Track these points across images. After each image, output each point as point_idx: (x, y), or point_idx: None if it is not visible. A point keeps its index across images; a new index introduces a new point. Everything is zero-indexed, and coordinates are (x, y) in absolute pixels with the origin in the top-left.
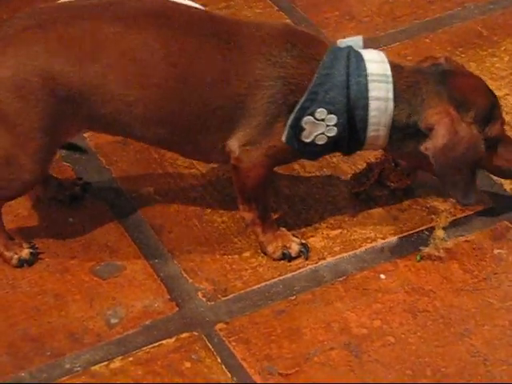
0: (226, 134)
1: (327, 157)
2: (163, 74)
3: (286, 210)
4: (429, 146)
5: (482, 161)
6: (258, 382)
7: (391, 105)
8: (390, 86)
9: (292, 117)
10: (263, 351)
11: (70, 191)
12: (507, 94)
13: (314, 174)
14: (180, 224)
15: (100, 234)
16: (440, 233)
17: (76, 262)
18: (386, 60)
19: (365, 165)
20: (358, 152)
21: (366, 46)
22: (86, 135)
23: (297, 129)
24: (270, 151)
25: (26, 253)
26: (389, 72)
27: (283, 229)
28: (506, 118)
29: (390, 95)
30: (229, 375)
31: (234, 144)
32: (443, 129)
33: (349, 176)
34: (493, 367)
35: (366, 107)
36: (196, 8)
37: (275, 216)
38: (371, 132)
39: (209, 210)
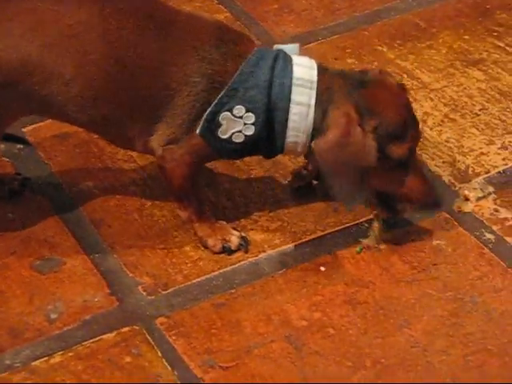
0: (151, 127)
1: None
2: (99, 53)
3: (225, 203)
4: (317, 143)
5: (371, 172)
6: (198, 375)
7: (312, 112)
8: (313, 93)
9: (208, 110)
10: (204, 344)
11: (9, 186)
12: (445, 86)
13: (253, 167)
14: (120, 218)
15: (39, 229)
16: (379, 224)
17: (15, 257)
18: (315, 67)
19: (304, 158)
20: None
21: (306, 40)
22: (24, 130)
23: (213, 124)
24: (192, 150)
25: None
26: (315, 79)
27: (222, 222)
28: (445, 109)
29: (312, 102)
30: (169, 369)
31: (156, 142)
32: (337, 128)
33: (288, 169)
34: (432, 357)
35: (286, 110)
36: None
37: (214, 210)
38: (290, 137)
39: (149, 204)
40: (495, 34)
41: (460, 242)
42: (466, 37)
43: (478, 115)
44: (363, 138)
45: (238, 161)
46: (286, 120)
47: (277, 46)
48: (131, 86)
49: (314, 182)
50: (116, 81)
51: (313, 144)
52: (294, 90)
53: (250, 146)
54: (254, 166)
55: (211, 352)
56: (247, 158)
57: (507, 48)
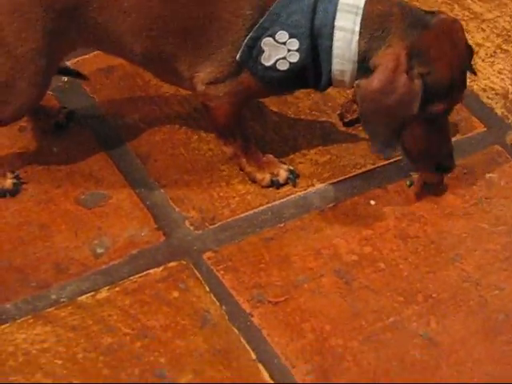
0: (201, 63)
1: None
2: None
3: (273, 136)
4: (361, 85)
5: (411, 122)
6: (247, 310)
7: (356, 38)
8: (358, 19)
9: (249, 36)
10: (252, 279)
11: (55, 119)
12: (498, 16)
13: (301, 100)
14: (166, 152)
15: (85, 163)
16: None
17: (61, 191)
18: None
19: (353, 90)
20: None
21: None
22: (69, 63)
23: (255, 50)
24: (237, 88)
25: (8, 183)
26: (361, 4)
27: (270, 156)
28: (497, 40)
29: (357, 28)
30: (217, 304)
31: (201, 79)
32: (383, 73)
33: (337, 102)
34: (485, 292)
35: (330, 36)
36: None
37: (262, 143)
38: (336, 65)
39: (195, 138)
40: None
41: None
42: None
43: None
44: (408, 85)
45: (285, 94)
46: (331, 47)
47: None
48: (185, 16)
49: None
50: (171, 10)
51: (356, 84)
52: (338, 15)
53: (296, 75)
54: (302, 99)
55: (260, 287)
56: (295, 91)
57: None
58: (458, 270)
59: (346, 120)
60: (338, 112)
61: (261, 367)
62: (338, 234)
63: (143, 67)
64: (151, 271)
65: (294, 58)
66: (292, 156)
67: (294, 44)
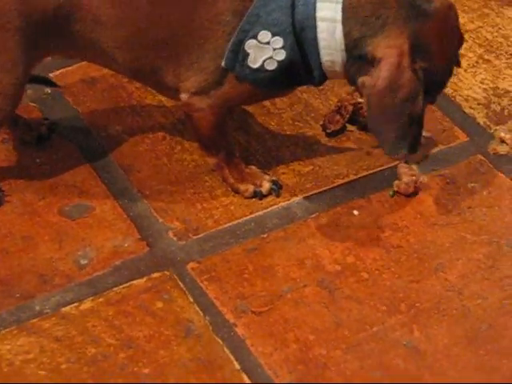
0: (185, 73)
1: (298, 93)
2: None
3: (256, 147)
4: (367, 83)
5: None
6: (230, 320)
7: (340, 27)
8: (339, 7)
9: (232, 41)
10: (235, 289)
11: (37, 131)
12: (480, 27)
13: (284, 111)
14: (149, 163)
15: (68, 175)
16: (413, 168)
17: (44, 203)
18: None
19: (336, 101)
20: (329, 87)
21: None
22: (52, 75)
23: (241, 54)
24: (220, 100)
25: None
26: None
27: (253, 167)
28: (479, 50)
29: (338, 16)
30: (201, 314)
31: (185, 89)
32: (388, 70)
33: (320, 112)
34: (468, 301)
35: (313, 28)
36: None
37: (246, 154)
38: (325, 56)
39: (178, 149)
40: None
41: (495, 185)
42: None
43: None
44: (413, 81)
45: (268, 104)
46: (316, 39)
47: None
48: (164, 27)
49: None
50: (149, 22)
51: (360, 82)
52: (319, 5)
53: (286, 73)
54: (285, 110)
55: (243, 297)
56: (278, 102)
57: None
58: (441, 280)
59: (328, 131)
60: (321, 123)
61: (245, 377)
62: (321, 244)
63: (128, 77)
64: (135, 282)
65: (281, 55)
66: (275, 167)
67: (278, 42)
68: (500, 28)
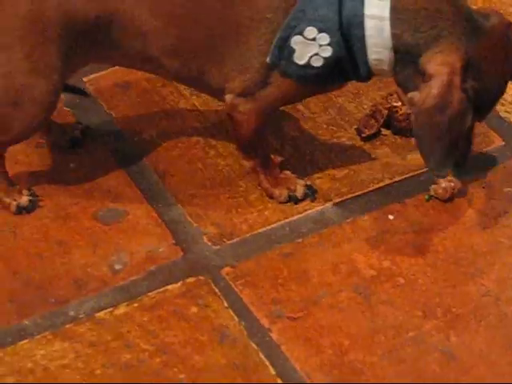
0: (229, 73)
1: (332, 97)
2: (173, 2)
3: (290, 151)
4: (416, 100)
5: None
6: (266, 325)
7: (387, 25)
8: (387, 4)
9: (277, 37)
10: (270, 294)
11: (71, 135)
12: None
13: (318, 115)
14: (183, 168)
15: (102, 180)
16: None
17: (78, 207)
18: None
19: (370, 105)
20: (363, 92)
21: None
22: (85, 79)
23: (286, 50)
24: (266, 101)
25: (24, 200)
26: None
27: (287, 172)
28: None
29: (386, 14)
30: (236, 319)
31: (230, 89)
32: (439, 88)
33: (354, 116)
34: (505, 306)
35: (361, 25)
36: None
37: (280, 159)
38: (373, 54)
39: (212, 153)
40: None
41: None
42: None
43: None
44: (463, 102)
45: (302, 108)
46: (364, 36)
47: None
48: (205, 31)
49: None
50: (189, 29)
51: (409, 97)
52: (367, 3)
53: (332, 69)
54: (319, 114)
55: (278, 302)
56: (312, 106)
57: None
58: (478, 285)
59: (363, 135)
60: (356, 127)
61: (280, 382)
62: (356, 248)
63: (175, 82)
64: (169, 287)
65: (327, 52)
66: (310, 171)
67: (325, 38)
68: None
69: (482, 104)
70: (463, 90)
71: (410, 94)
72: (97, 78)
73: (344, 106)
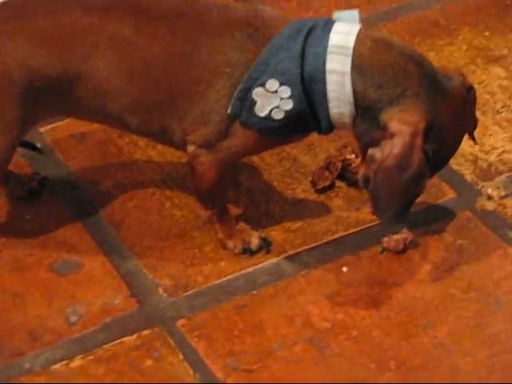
0: (188, 125)
1: (287, 148)
2: (133, 60)
3: (246, 203)
4: (377, 157)
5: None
6: (221, 378)
7: (348, 80)
8: (348, 60)
9: (239, 88)
10: (226, 347)
11: (29, 186)
12: None
13: (273, 167)
14: (139, 219)
15: (58, 231)
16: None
17: (34, 259)
18: (353, 32)
19: (325, 157)
20: (318, 144)
21: None
22: (42, 130)
23: (248, 101)
24: (227, 152)
25: None
26: (350, 44)
27: (242, 223)
28: None
29: (347, 69)
30: (191, 372)
31: (192, 141)
32: (400, 146)
33: (309, 168)
34: (457, 358)
35: (323, 80)
36: None
37: (235, 210)
38: (334, 108)
39: (168, 204)
40: None
41: (483, 242)
42: (487, 33)
43: (500, 112)
44: (422, 163)
45: (257, 159)
46: (325, 90)
47: (336, 13)
48: (166, 87)
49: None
50: (150, 87)
51: (369, 154)
52: (329, 58)
53: (294, 122)
54: (274, 165)
55: (233, 354)
56: (267, 157)
57: None
58: (430, 337)
59: (318, 187)
60: (310, 179)
61: None
62: (310, 300)
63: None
64: (125, 339)
65: (288, 105)
66: (265, 223)
67: (286, 91)
68: (486, 85)
69: (438, 162)
70: (423, 151)
71: (370, 151)
72: (53, 129)
73: (299, 158)
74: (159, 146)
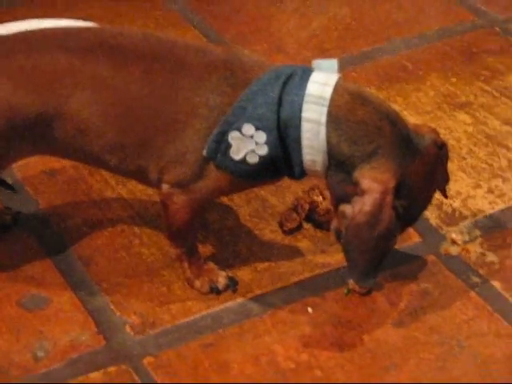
0: (163, 165)
1: (255, 189)
2: (111, 101)
3: (214, 242)
4: (347, 213)
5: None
6: None
7: (323, 130)
8: (325, 110)
9: (216, 131)
10: None
11: (1, 221)
12: None
13: (241, 207)
14: (108, 256)
15: (26, 266)
16: None
17: (2, 294)
18: (331, 84)
19: (293, 199)
20: (286, 185)
21: None
22: (13, 166)
23: (223, 144)
24: (201, 193)
25: None
26: (327, 95)
27: (210, 263)
28: None
29: (323, 119)
30: None
31: (166, 181)
32: (371, 204)
33: (277, 209)
34: None
35: (298, 127)
36: (145, 32)
37: (203, 250)
38: (307, 155)
39: (137, 242)
40: (482, 77)
41: (447, 286)
42: (454, 80)
43: (465, 159)
44: (393, 220)
45: (226, 199)
46: (300, 138)
47: (316, 61)
48: (142, 129)
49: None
50: (126, 128)
51: (340, 210)
52: (305, 106)
53: (268, 166)
54: (243, 206)
55: None
56: (236, 198)
57: (494, 92)
58: (393, 379)
59: (285, 228)
60: (278, 220)
61: None
62: (276, 340)
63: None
64: (91, 375)
65: (263, 150)
66: (232, 262)
67: (261, 136)
68: (452, 131)
69: (409, 218)
70: (393, 208)
71: (341, 207)
72: (24, 165)
73: (267, 199)
74: (129, 184)
